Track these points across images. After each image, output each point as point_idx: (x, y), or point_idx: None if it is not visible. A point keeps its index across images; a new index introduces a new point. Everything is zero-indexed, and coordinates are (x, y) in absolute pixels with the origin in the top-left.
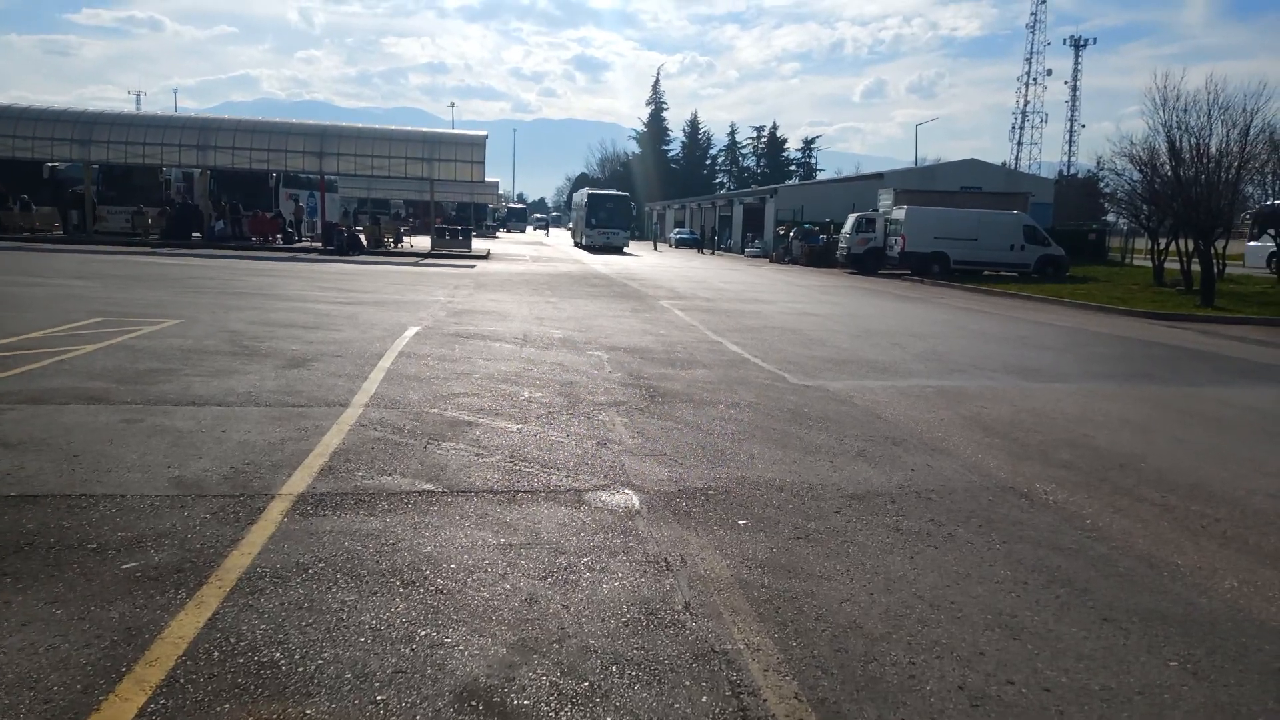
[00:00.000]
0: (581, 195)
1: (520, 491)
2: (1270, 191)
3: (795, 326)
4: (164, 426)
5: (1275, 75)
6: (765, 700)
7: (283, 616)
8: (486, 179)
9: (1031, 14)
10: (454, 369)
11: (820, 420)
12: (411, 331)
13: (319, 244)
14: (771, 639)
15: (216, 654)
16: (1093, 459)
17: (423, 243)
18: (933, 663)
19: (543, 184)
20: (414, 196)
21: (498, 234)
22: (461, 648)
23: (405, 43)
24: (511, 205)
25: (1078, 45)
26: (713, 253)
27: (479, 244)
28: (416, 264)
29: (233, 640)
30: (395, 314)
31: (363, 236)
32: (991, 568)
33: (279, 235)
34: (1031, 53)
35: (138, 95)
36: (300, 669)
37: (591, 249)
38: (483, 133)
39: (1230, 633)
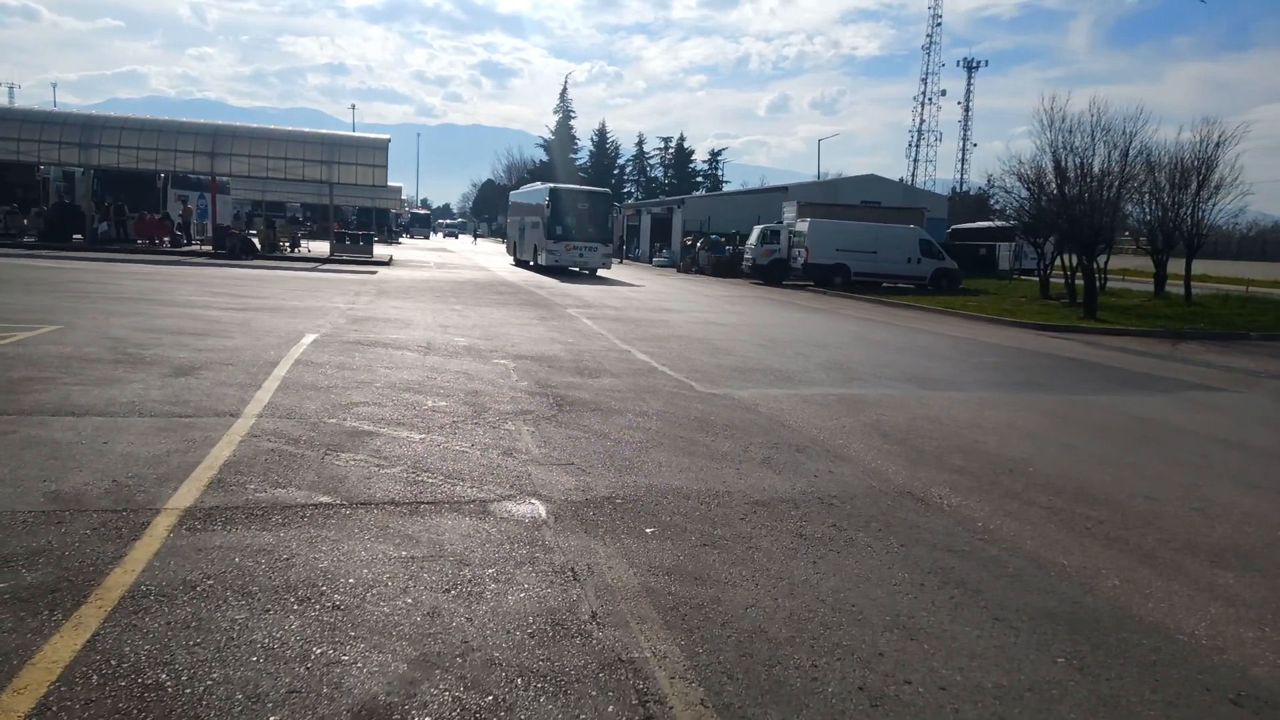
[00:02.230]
0: (534, 193)
1: (423, 503)
2: (1147, 209)
3: (702, 335)
4: (39, 438)
5: (1152, 100)
6: (671, 708)
7: (169, 636)
8: (389, 183)
9: (927, 36)
10: (354, 378)
11: (727, 428)
12: (309, 339)
13: (209, 248)
14: (678, 646)
15: (95, 678)
16: (984, 464)
17: (321, 248)
18: (834, 665)
19: (448, 190)
20: (312, 200)
21: (401, 240)
22: (360, 665)
23: (303, 42)
24: (415, 211)
25: (970, 67)
26: (620, 261)
27: (381, 250)
28: (314, 269)
29: (114, 663)
30: (291, 321)
31: (256, 240)
32: (890, 570)
33: (167, 238)
34: (927, 73)
35: (11, 88)
36: (188, 691)
37: (551, 271)
38: (385, 136)
39: (1113, 629)
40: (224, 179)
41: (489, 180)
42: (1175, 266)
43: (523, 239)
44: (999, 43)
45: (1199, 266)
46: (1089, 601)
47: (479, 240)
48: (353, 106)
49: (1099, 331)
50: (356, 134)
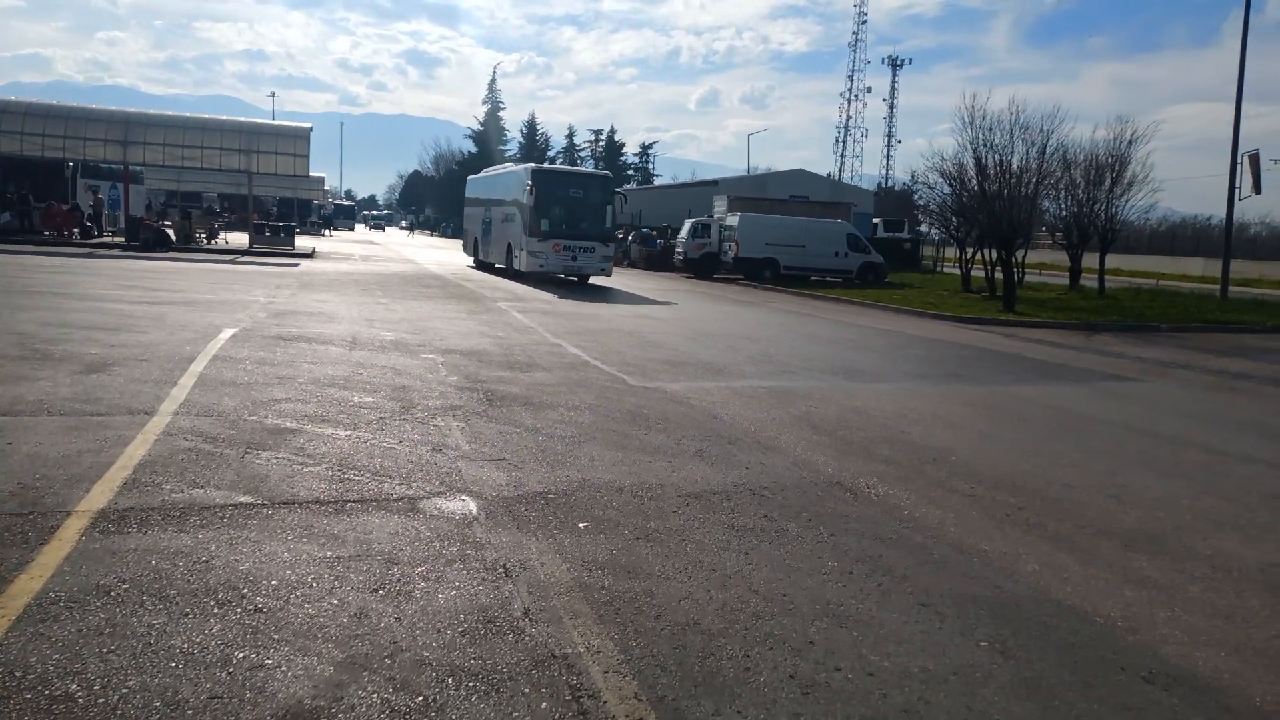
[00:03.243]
0: (506, 176)
1: (349, 501)
2: (1064, 205)
3: (634, 329)
4: None
5: (1068, 99)
6: (605, 702)
7: (80, 645)
8: (312, 174)
9: (853, 33)
10: (275, 373)
11: (659, 421)
12: (227, 334)
13: (122, 240)
14: (612, 640)
15: None
16: (910, 454)
17: (240, 240)
18: (766, 654)
19: (373, 181)
20: (231, 190)
21: (324, 232)
22: (284, 669)
23: (220, 28)
24: (339, 202)
25: (895, 65)
26: None
27: (303, 242)
28: (233, 262)
29: (18, 675)
30: (208, 315)
31: (171, 232)
32: (820, 560)
33: (76, 229)
34: (853, 70)
35: None
36: (101, 700)
37: (534, 280)
38: (307, 125)
39: (1033, 612)
40: (137, 168)
41: (416, 171)
42: (1090, 260)
43: (488, 236)
44: (922, 41)
45: (1112, 260)
46: (1010, 586)
47: (415, 234)
48: (272, 94)
49: (1017, 324)
50: (277, 122)
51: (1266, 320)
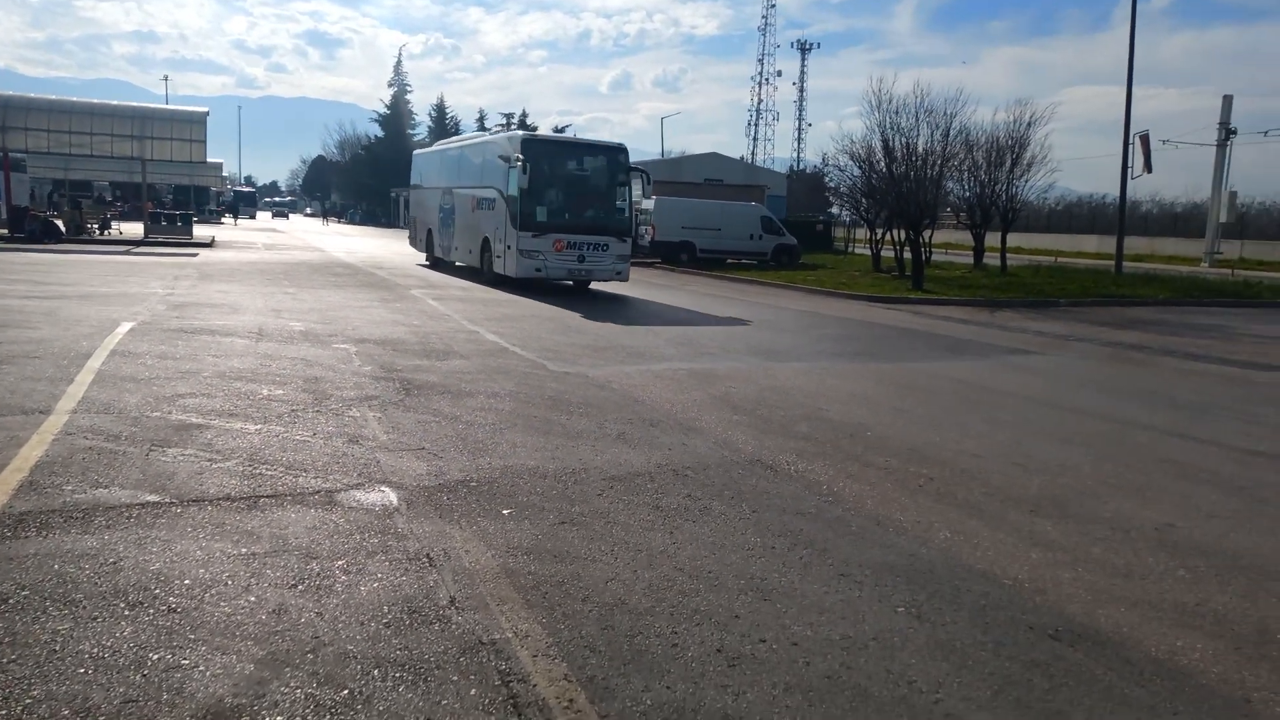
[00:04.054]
0: (482, 147)
1: (263, 497)
2: (967, 186)
3: (553, 315)
4: None
5: (970, 82)
6: (535, 685)
7: None
8: (209, 160)
9: (762, 17)
10: (178, 368)
11: (581, 406)
12: (125, 328)
13: (5, 231)
14: (540, 624)
15: None
16: (827, 430)
17: (135, 229)
18: (693, 630)
19: (275, 166)
20: (123, 178)
21: (224, 220)
22: (202, 668)
23: (105, 7)
24: (239, 189)
25: (804, 49)
26: None
27: (202, 231)
28: (128, 253)
29: None
30: (104, 309)
31: (60, 222)
32: (743, 536)
33: None
34: (763, 54)
35: None
36: (2, 713)
37: (517, 285)
38: (203, 109)
39: (946, 578)
40: (18, 155)
41: (320, 156)
42: (993, 240)
43: (450, 228)
44: (830, 25)
45: (1013, 239)
46: (924, 553)
47: (329, 221)
48: (165, 78)
49: (926, 302)
50: (171, 107)
51: (1158, 293)
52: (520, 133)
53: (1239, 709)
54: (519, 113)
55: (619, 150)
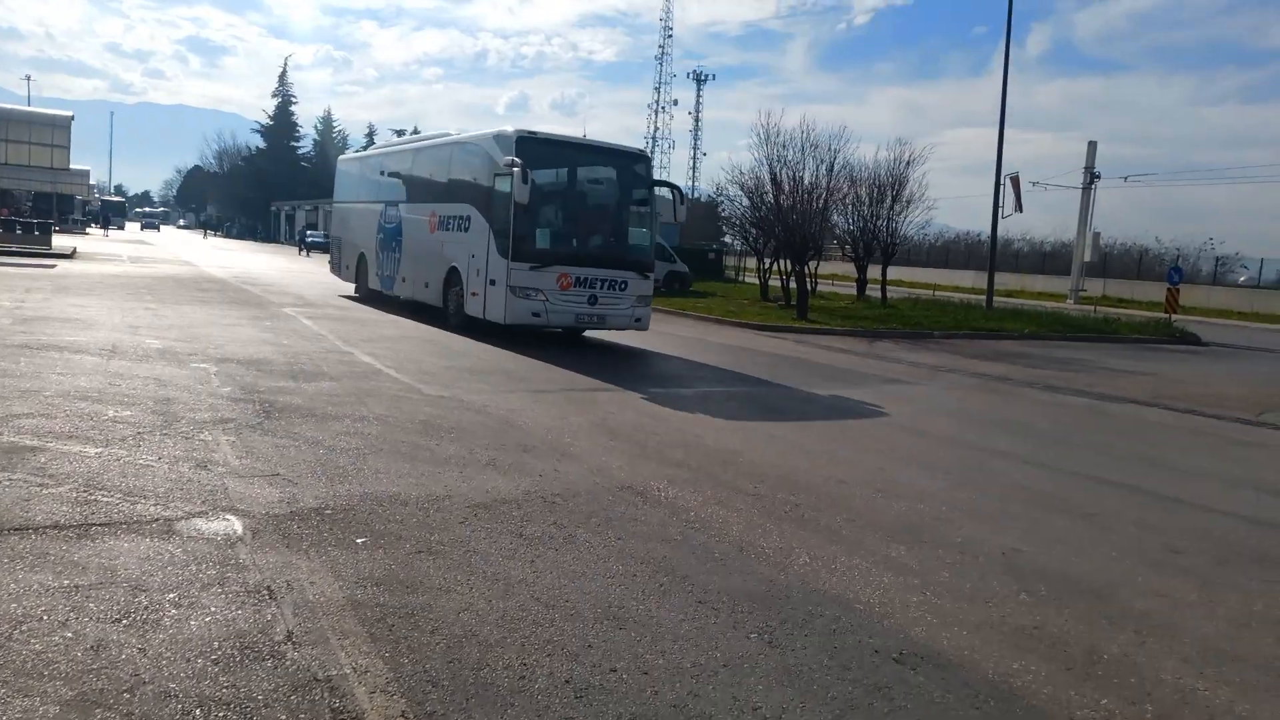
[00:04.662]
0: (454, 149)
1: (95, 525)
2: (850, 220)
3: (434, 337)
4: None
5: (857, 120)
6: None
7: None
8: (74, 166)
9: (659, 46)
10: (16, 386)
11: (453, 431)
12: None
13: None
14: (382, 659)
15: None
16: (701, 457)
17: None
18: (543, 661)
19: (149, 175)
20: None
21: (89, 230)
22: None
23: None
24: (107, 198)
25: (699, 79)
26: None
27: (63, 241)
28: None
29: None
30: None
31: None
32: (606, 564)
33: None
34: (660, 83)
35: None
36: None
37: (500, 335)
38: (68, 113)
39: (800, 603)
40: None
41: (197, 167)
42: (875, 272)
43: (396, 253)
44: (726, 58)
45: (895, 272)
46: (782, 579)
47: (209, 235)
48: (28, 78)
49: (810, 331)
50: (31, 109)
51: (1024, 327)
52: (512, 129)
53: None
54: (411, 129)
55: (640, 158)
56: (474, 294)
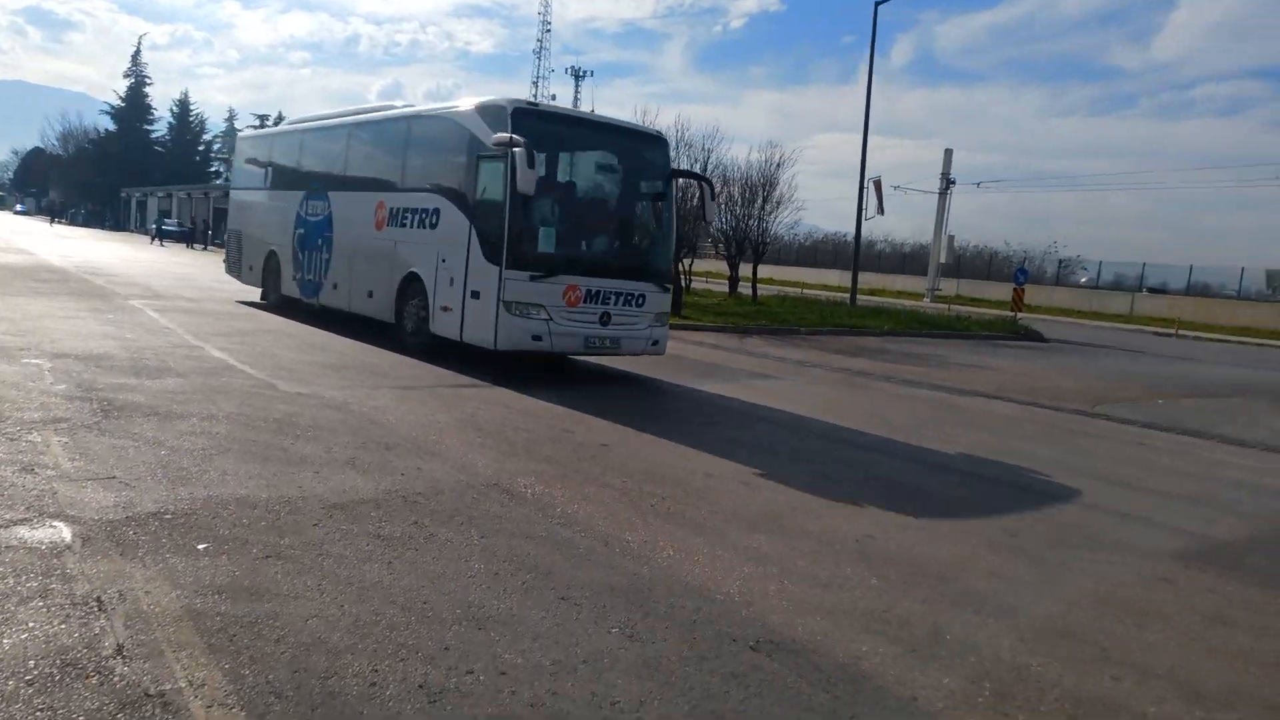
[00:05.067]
0: (422, 122)
1: None
2: (724, 219)
3: (294, 331)
4: None
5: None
6: None
7: None
8: None
9: (538, 40)
10: None
11: (311, 429)
12: None
13: None
14: (221, 671)
15: None
16: (570, 452)
17: None
18: (396, 666)
19: None
20: None
21: None
22: None
23: None
24: None
25: (578, 75)
26: (205, 248)
27: None
28: None
29: None
30: None
31: None
32: (468, 563)
33: None
34: (538, 77)
35: None
36: None
37: (480, 355)
38: None
39: (663, 595)
40: None
41: (38, 148)
42: (748, 270)
43: (321, 252)
44: (604, 55)
45: (766, 270)
46: (646, 572)
47: (57, 223)
48: None
49: (683, 327)
50: None
51: (884, 324)
52: (504, 100)
53: (907, 707)
54: (275, 114)
55: (659, 141)
56: (445, 309)
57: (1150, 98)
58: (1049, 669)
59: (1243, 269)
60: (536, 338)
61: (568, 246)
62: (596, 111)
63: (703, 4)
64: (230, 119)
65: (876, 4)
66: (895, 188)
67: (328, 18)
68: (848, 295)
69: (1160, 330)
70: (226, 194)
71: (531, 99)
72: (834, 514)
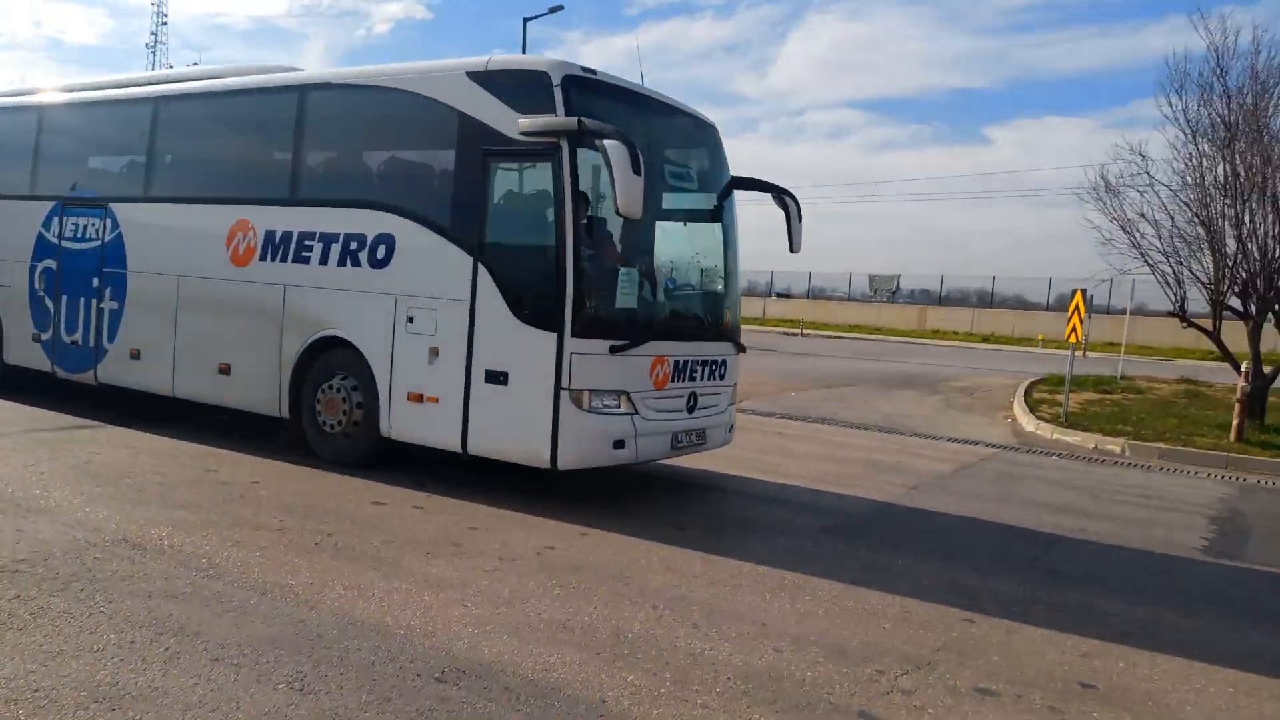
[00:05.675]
0: (367, 93)
1: None
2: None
3: None
4: None
5: None
6: None
7: None
8: None
9: (152, 34)
10: None
11: None
12: None
13: None
14: None
15: None
16: (214, 494)
17: None
18: None
19: None
20: None
21: None
22: None
23: None
24: None
25: None
26: None
27: None
28: None
29: None
30: None
31: None
32: (93, 635)
33: None
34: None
35: None
36: None
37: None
38: None
39: (336, 640)
40: None
41: None
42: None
43: (95, 297)
44: (232, 53)
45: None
46: (313, 618)
47: None
48: None
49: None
50: None
51: None
52: (544, 61)
53: (597, 709)
54: None
55: (713, 130)
56: (415, 397)
57: (770, 122)
58: (720, 650)
59: (850, 274)
60: (619, 444)
61: (648, 297)
62: None
63: (343, 5)
64: None
65: (525, 20)
66: None
67: None
68: None
69: (788, 330)
70: None
71: (588, 67)
72: (512, 528)
